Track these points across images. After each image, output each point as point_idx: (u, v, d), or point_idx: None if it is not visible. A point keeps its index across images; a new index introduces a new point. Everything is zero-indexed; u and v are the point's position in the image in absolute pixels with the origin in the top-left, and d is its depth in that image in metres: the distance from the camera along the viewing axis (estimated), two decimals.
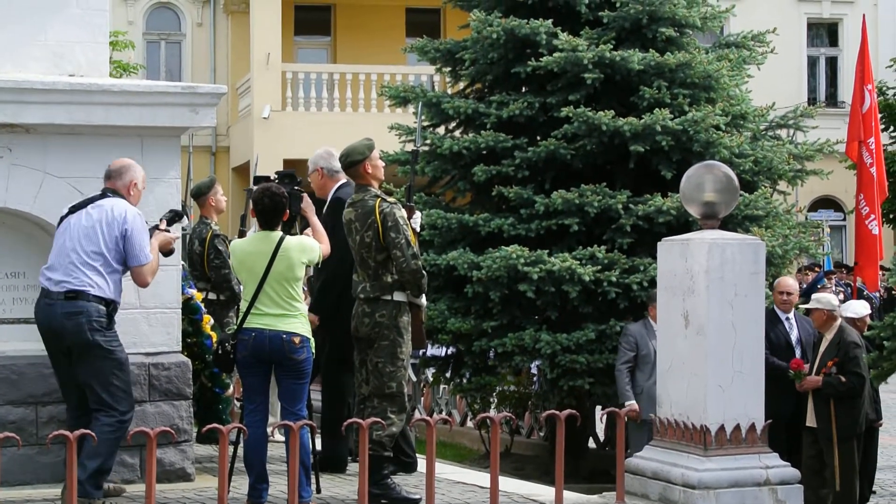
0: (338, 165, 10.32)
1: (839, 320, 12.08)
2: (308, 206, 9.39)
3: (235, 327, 8.92)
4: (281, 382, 8.80)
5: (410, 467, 10.35)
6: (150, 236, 8.88)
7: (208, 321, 10.59)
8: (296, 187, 9.32)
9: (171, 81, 12.29)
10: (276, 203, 8.78)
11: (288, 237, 8.78)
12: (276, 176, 9.36)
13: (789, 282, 13.09)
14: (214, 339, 10.18)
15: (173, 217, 9.18)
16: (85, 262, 8.61)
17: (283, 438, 9.30)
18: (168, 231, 9.07)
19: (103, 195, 8.85)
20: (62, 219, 8.84)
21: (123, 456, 9.15)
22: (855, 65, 17.44)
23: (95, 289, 8.62)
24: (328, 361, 10.34)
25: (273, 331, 8.65)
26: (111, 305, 8.72)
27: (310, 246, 8.86)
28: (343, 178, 10.35)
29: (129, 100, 9.64)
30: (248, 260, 8.77)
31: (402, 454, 10.21)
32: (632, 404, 12.46)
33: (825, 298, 12.30)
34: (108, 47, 10.60)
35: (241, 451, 9.18)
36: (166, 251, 9.11)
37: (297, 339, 8.65)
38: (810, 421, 12.04)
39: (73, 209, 8.82)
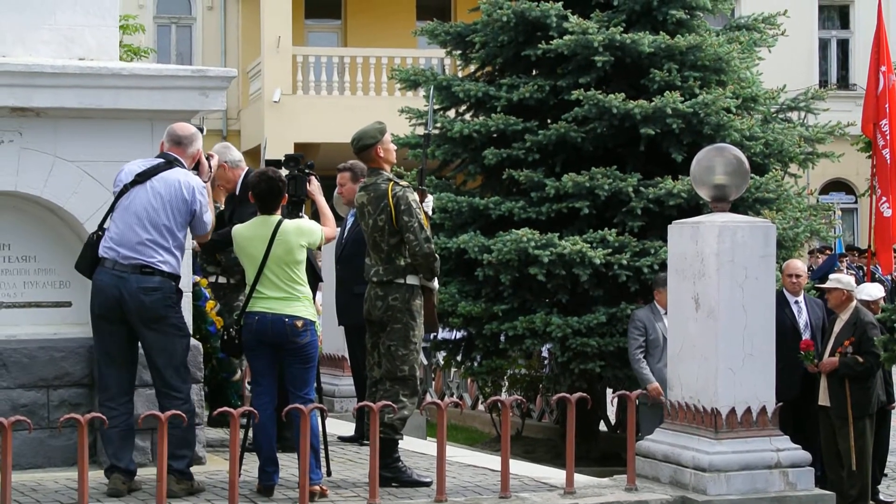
0: (238, 156, 10.51)
1: (854, 301, 12.10)
2: (316, 188, 9.37)
3: (238, 313, 8.91)
4: (287, 367, 8.76)
5: None
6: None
7: (213, 307, 10.58)
8: (307, 170, 9.31)
9: (181, 65, 12.27)
10: (272, 187, 8.75)
11: (286, 221, 8.76)
12: (284, 158, 9.37)
13: (798, 264, 13.11)
14: (219, 326, 10.18)
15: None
16: (156, 240, 8.56)
17: None
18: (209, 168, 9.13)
19: (169, 163, 8.74)
20: (125, 186, 8.66)
21: (136, 439, 9.14)
22: (867, 47, 17.37)
23: (168, 266, 8.61)
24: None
25: (275, 314, 8.64)
26: (178, 281, 8.75)
27: (308, 229, 8.81)
28: (245, 167, 10.56)
29: (140, 83, 9.63)
30: (248, 245, 8.77)
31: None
32: (654, 385, 12.39)
33: (845, 279, 12.32)
34: (118, 31, 10.59)
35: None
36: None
37: (299, 323, 8.64)
38: (823, 400, 12.04)
39: (138, 178, 8.63)
